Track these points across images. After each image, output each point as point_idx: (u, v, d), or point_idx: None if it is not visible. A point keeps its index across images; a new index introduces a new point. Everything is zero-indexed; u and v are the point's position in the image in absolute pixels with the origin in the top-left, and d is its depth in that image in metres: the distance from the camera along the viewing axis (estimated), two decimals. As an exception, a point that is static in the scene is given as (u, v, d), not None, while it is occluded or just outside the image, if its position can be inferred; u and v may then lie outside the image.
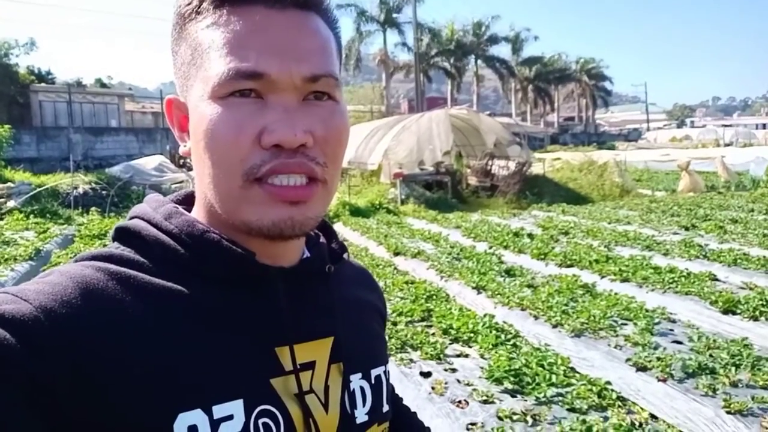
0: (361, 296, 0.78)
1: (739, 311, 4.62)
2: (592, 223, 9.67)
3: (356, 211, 12.33)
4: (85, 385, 0.50)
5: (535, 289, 5.52)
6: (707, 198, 12.95)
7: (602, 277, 6.00)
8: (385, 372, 0.73)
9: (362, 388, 0.68)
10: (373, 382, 0.70)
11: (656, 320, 4.50)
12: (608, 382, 3.39)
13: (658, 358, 3.64)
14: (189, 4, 0.59)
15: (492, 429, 2.90)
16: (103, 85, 30.69)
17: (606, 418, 3.03)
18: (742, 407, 2.99)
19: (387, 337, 0.79)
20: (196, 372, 0.55)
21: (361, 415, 0.66)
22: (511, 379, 3.46)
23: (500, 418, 3.05)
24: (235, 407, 0.55)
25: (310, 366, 0.63)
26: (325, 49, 0.59)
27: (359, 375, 0.68)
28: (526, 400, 3.27)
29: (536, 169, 16.63)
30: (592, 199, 14.54)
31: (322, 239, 0.71)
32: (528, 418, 3.04)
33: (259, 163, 0.55)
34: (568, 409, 3.14)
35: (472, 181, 15.73)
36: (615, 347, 3.99)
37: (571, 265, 6.53)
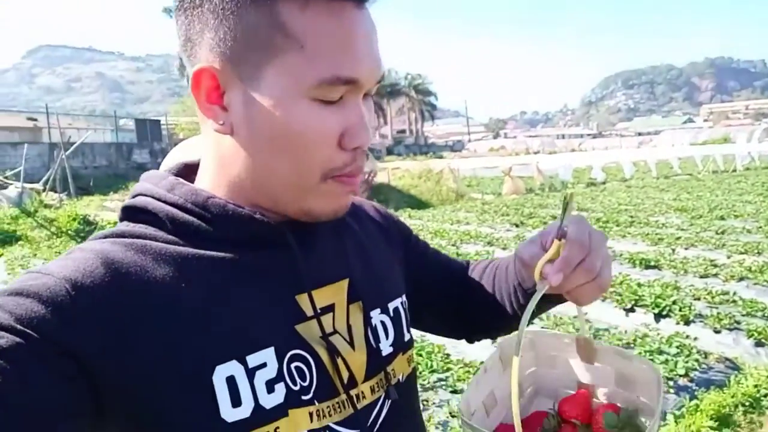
0: (371, 230, 0.80)
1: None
2: (437, 225, 10.35)
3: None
4: (119, 350, 0.51)
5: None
6: (528, 199, 14.54)
7: (457, 272, 6.49)
8: (402, 302, 0.77)
9: (383, 323, 0.71)
10: (392, 314, 0.73)
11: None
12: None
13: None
14: None
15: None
16: None
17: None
18: None
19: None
20: (225, 326, 0.57)
21: (386, 348, 0.70)
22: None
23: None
24: (268, 355, 0.58)
25: (330, 309, 0.66)
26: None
27: (378, 310, 0.72)
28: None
29: (381, 177, 17.32)
30: (432, 204, 15.53)
31: None
32: (418, 404, 3.21)
33: (341, 165, 0.59)
34: (451, 392, 3.38)
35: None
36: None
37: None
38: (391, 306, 0.74)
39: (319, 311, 0.63)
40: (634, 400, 0.67)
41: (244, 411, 0.55)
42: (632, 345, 3.89)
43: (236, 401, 0.55)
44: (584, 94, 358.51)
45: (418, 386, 2.79)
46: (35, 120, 27.72)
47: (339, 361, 0.63)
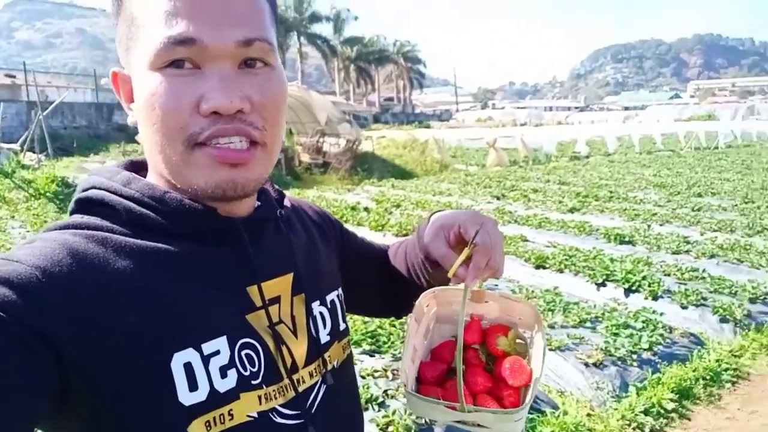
0: (310, 228, 0.85)
1: (548, 265, 5.40)
2: (419, 196, 10.37)
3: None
4: (86, 335, 0.53)
5: (378, 258, 5.84)
6: (512, 171, 14.59)
7: (435, 243, 6.54)
8: (338, 295, 0.82)
9: (322, 313, 0.77)
10: (329, 306, 0.79)
11: (485, 278, 5.07)
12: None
13: (491, 310, 4.13)
14: None
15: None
16: None
17: (455, 365, 3.40)
18: (561, 344, 3.55)
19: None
20: (183, 316, 0.60)
21: (324, 336, 0.76)
22: (369, 340, 3.67)
23: (363, 377, 3.24)
24: (221, 343, 0.62)
25: (276, 300, 0.70)
26: (259, 14, 0.62)
27: (318, 302, 0.77)
28: (383, 358, 3.51)
29: (365, 146, 17.25)
30: (417, 174, 15.52)
31: (266, 187, 0.78)
32: (388, 373, 3.27)
33: (199, 130, 0.59)
34: (422, 362, 3.45)
35: (305, 158, 15.77)
36: (454, 304, 4.43)
37: (406, 234, 6.98)
38: (328, 298, 0.79)
39: (267, 302, 0.67)
40: (513, 320, 0.83)
41: (200, 395, 0.58)
42: (600, 319, 3.98)
43: (193, 386, 0.58)
44: (573, 66, 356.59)
45: (389, 356, 2.81)
46: (13, 77, 26.97)
47: (284, 348, 0.68)
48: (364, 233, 7.22)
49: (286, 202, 0.81)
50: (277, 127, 0.64)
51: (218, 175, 0.60)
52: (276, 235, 0.74)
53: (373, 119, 42.49)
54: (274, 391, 0.66)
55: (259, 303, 0.67)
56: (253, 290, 0.67)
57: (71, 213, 0.66)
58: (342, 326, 0.81)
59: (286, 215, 0.78)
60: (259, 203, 0.73)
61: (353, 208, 9.00)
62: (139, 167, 0.72)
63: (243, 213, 0.69)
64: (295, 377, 0.68)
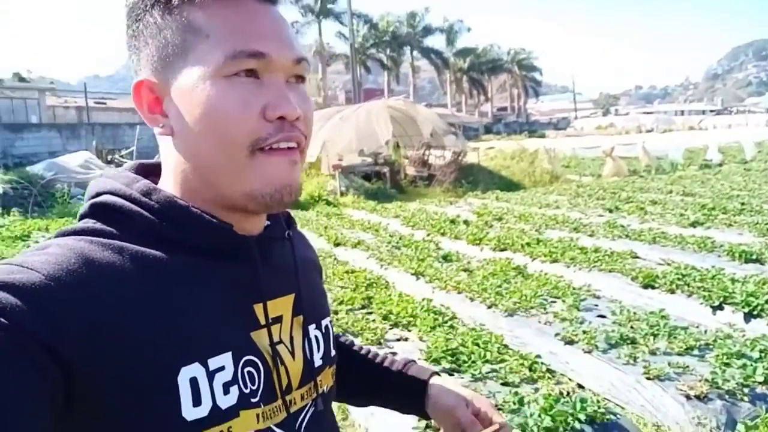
0: (306, 255, 0.86)
1: (657, 285, 4.95)
2: (523, 209, 10.03)
3: (295, 204, 12.19)
4: (95, 348, 0.54)
5: (471, 273, 5.72)
6: (630, 182, 13.67)
7: (533, 259, 6.26)
8: (330, 322, 0.84)
9: (317, 337, 0.78)
10: (324, 331, 0.80)
11: (582, 297, 4.76)
12: (538, 356, 3.58)
13: (584, 332, 3.87)
14: None
15: (431, 406, 3.00)
16: (22, 79, 28.81)
17: (537, 390, 3.21)
18: (660, 373, 3.23)
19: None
20: (192, 330, 0.61)
21: (317, 360, 0.77)
22: (449, 358, 3.59)
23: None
24: (226, 359, 0.62)
25: (278, 320, 0.71)
26: (297, 37, 0.69)
27: (314, 326, 0.78)
28: (462, 377, 3.41)
29: (471, 158, 17.05)
30: (524, 186, 15.05)
31: None
32: (465, 393, 3.17)
33: (266, 135, 0.63)
34: (501, 384, 3.30)
35: (410, 171, 15.92)
36: (545, 323, 4.20)
37: (504, 249, 6.77)
38: (323, 323, 0.81)
39: (270, 321, 0.69)
40: None
41: (203, 410, 0.59)
42: (711, 346, 3.57)
43: (197, 401, 0.59)
44: (709, 66, 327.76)
45: (469, 376, 2.79)
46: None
47: (282, 368, 0.69)
48: (461, 247, 7.11)
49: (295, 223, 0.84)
50: (310, 138, 0.69)
51: (280, 178, 0.64)
52: (282, 255, 0.76)
53: (485, 130, 41.94)
54: (270, 410, 0.67)
55: (263, 321, 0.68)
56: (258, 308, 0.68)
57: (82, 216, 0.66)
58: (333, 352, 0.82)
59: (292, 236, 0.79)
60: (269, 223, 0.76)
61: (452, 222, 8.89)
62: (149, 171, 0.73)
63: (255, 231, 0.71)
64: (288, 398, 0.69)
